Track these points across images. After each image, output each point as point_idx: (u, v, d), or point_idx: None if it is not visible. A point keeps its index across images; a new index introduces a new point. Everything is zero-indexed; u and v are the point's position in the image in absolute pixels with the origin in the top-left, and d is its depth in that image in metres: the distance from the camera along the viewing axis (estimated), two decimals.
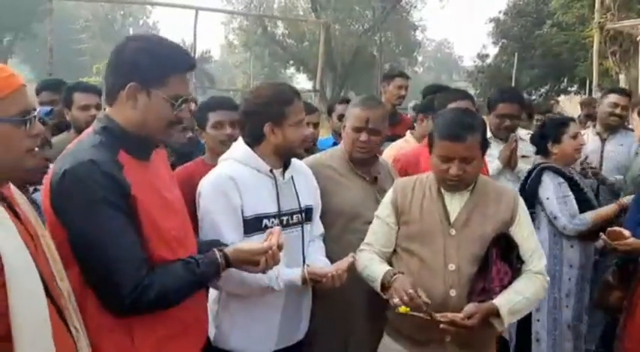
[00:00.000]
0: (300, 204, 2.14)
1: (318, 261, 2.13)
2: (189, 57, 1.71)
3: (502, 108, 3.46)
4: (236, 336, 2.06)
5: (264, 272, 1.80)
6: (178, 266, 1.60)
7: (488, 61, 24.30)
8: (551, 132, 3.18)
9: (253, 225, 2.01)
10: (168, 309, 1.61)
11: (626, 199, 3.02)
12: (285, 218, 2.08)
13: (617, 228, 2.66)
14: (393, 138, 4.17)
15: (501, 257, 2.03)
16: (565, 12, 16.69)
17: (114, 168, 1.52)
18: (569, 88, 20.49)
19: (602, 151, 3.91)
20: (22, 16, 25.87)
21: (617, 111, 3.91)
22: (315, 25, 22.35)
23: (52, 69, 10.30)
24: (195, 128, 3.61)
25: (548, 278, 2.14)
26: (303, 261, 2.11)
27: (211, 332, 2.07)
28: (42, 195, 1.60)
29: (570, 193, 3.07)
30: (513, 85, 15.28)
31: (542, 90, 22.30)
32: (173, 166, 2.20)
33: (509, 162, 3.38)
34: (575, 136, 3.13)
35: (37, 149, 1.35)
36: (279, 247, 1.76)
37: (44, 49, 16.50)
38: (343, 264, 2.01)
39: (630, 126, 4.01)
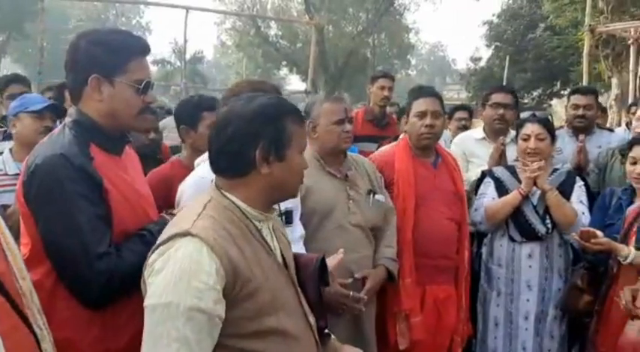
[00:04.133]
0: (279, 207, 2.09)
1: None
2: (143, 41, 1.73)
3: (495, 97, 3.58)
4: None
5: None
6: (135, 241, 1.59)
7: (482, 63, 24.37)
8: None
9: None
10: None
11: (525, 185, 2.89)
12: None
13: (589, 228, 2.66)
14: (383, 138, 4.14)
15: None
16: (558, 15, 16.68)
17: (85, 162, 1.54)
18: (562, 92, 20.53)
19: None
20: (14, 16, 25.74)
21: (580, 112, 3.79)
22: (308, 27, 22.32)
23: (44, 69, 10.16)
24: (159, 129, 3.51)
25: None
26: None
27: None
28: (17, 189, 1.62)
29: (488, 192, 3.05)
30: None
31: (535, 93, 22.36)
32: None
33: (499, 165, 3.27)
34: (523, 138, 3.00)
35: None
36: None
37: (36, 49, 16.38)
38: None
39: (608, 127, 3.86)
